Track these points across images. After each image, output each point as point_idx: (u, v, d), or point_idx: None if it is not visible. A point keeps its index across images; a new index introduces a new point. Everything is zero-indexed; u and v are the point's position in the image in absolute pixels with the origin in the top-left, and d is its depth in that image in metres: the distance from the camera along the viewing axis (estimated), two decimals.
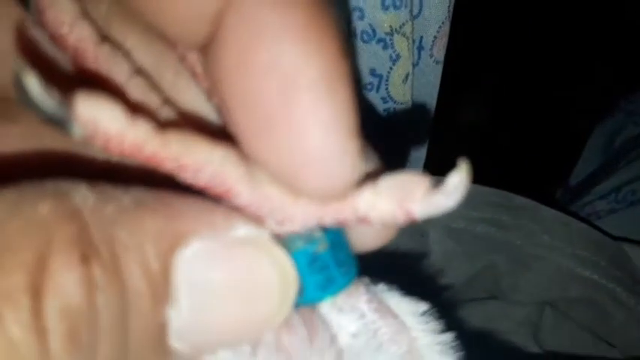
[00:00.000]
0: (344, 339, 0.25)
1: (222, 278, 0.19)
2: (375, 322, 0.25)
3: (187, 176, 0.20)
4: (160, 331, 0.19)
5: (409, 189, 0.20)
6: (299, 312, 0.24)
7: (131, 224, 0.18)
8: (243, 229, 0.20)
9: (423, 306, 0.26)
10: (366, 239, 0.25)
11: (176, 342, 0.19)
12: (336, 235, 0.23)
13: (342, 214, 0.21)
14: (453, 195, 0.20)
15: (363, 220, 0.21)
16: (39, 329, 0.16)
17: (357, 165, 0.20)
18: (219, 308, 0.19)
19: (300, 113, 0.18)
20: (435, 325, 0.26)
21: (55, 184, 0.18)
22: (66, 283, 0.17)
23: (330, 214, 0.21)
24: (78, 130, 0.18)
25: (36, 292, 0.16)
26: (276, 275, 0.20)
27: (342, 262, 0.23)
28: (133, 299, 0.18)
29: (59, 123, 0.17)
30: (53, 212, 0.17)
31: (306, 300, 0.23)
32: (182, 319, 0.19)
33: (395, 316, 0.26)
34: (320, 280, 0.23)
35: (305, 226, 0.22)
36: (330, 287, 0.23)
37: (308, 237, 0.22)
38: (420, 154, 0.75)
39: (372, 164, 0.23)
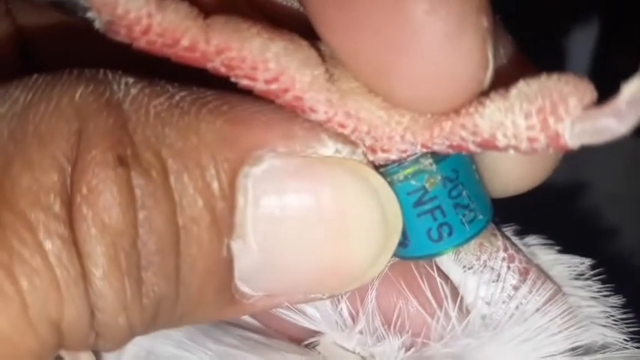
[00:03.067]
0: (474, 306, 0.20)
1: (302, 206, 0.15)
2: (517, 286, 0.20)
3: (237, 78, 0.15)
4: (222, 269, 0.15)
5: (559, 100, 0.14)
6: (404, 266, 0.19)
7: (185, 125, 0.15)
8: (330, 146, 0.15)
9: (584, 263, 0.21)
10: (508, 177, 0.19)
11: (243, 284, 0.16)
12: (456, 168, 0.18)
13: (456, 135, 0.16)
14: (627, 115, 0.13)
15: (487, 146, 0.15)
16: (74, 245, 0.14)
17: (486, 59, 0.15)
18: (296, 245, 0.15)
19: None
20: (600, 287, 0.21)
21: (95, 71, 0.15)
22: (100, 189, 0.14)
23: (441, 136, 0.16)
24: (94, 16, 0.15)
25: (69, 197, 0.14)
26: (374, 209, 0.16)
27: (463, 204, 0.18)
28: (186, 224, 0.14)
29: (73, 9, 0.15)
30: (87, 99, 0.14)
31: (411, 252, 0.18)
32: (250, 255, 0.15)
33: (547, 278, 0.21)
34: (430, 225, 0.17)
35: (406, 153, 0.16)
36: (446, 237, 0.18)
37: (413, 168, 0.17)
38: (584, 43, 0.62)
39: (504, 59, 0.17)
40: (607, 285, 0.20)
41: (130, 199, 0.14)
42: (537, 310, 0.19)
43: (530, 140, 0.15)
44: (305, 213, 0.15)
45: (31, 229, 0.13)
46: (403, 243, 0.17)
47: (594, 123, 0.14)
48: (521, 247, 0.21)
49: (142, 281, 0.14)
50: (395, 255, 0.17)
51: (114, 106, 0.14)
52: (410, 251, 0.18)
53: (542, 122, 0.14)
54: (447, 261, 0.19)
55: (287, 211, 0.15)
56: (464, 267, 0.19)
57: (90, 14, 0.14)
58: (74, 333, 0.14)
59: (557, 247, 0.21)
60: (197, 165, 0.14)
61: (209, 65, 0.15)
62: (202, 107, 0.15)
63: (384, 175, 0.16)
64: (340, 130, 0.16)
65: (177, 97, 0.15)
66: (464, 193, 0.18)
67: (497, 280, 0.19)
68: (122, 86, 0.15)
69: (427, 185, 0.17)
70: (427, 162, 0.17)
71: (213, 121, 0.15)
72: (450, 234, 0.17)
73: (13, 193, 0.14)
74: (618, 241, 0.53)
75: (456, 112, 0.16)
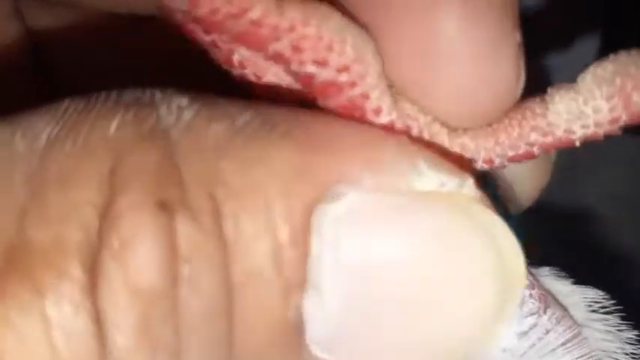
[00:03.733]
0: None
1: (396, 260, 0.12)
2: (539, 315, 0.19)
3: (302, 64, 0.14)
4: (288, 336, 0.12)
5: (629, 77, 0.15)
6: None
7: (248, 156, 0.12)
8: (432, 177, 0.13)
9: (599, 296, 0.21)
10: (524, 189, 0.19)
11: (319, 350, 0.13)
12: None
13: (524, 139, 0.15)
14: None
15: (557, 145, 0.15)
16: (95, 314, 0.11)
17: (520, 72, 0.15)
18: (389, 310, 0.12)
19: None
20: (615, 321, 0.20)
21: (137, 92, 0.13)
22: (134, 243, 0.11)
23: (506, 144, 0.15)
24: None
25: (92, 257, 0.11)
26: (491, 266, 0.13)
27: None
28: (243, 281, 0.12)
29: None
30: (125, 131, 0.12)
31: None
32: (328, 317, 0.12)
33: (563, 309, 0.20)
34: None
35: (470, 167, 0.16)
36: None
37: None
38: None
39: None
40: (622, 316, 0.20)
41: (172, 254, 0.12)
42: (560, 343, 0.19)
43: (612, 121, 0.15)
44: (400, 269, 0.12)
45: (38, 296, 0.11)
46: None
47: None
48: (535, 276, 0.21)
49: (181, 354, 0.12)
50: None
51: (159, 137, 0.12)
52: None
53: (625, 100, 0.15)
54: None
55: (376, 265, 0.12)
56: None
57: None
58: None
59: (571, 279, 0.21)
60: (261, 204, 0.12)
61: (272, 47, 0.13)
62: (271, 132, 0.12)
63: None
64: (402, 135, 0.14)
65: (240, 121, 0.12)
66: None
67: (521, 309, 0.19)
68: (173, 110, 0.12)
69: None
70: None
71: (282, 149, 0.12)
72: None
73: (24, 254, 0.11)
74: (618, 241, 0.53)
75: (508, 117, 0.15)
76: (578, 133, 0.15)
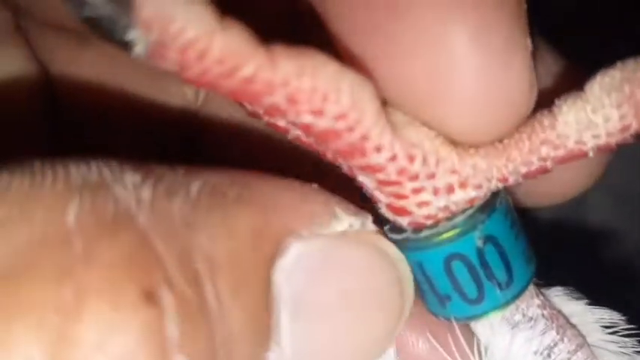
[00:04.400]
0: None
1: (332, 292, 0.14)
2: (552, 335, 0.18)
3: (302, 112, 0.13)
4: None
5: (638, 84, 0.14)
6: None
7: (212, 228, 0.12)
8: (344, 220, 0.14)
9: (609, 316, 0.20)
10: (561, 181, 0.18)
11: None
12: (499, 223, 0.17)
13: (535, 154, 0.15)
14: None
15: (569, 157, 0.15)
16: None
17: (533, 81, 0.15)
18: (330, 332, 0.14)
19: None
20: (628, 342, 0.20)
21: (82, 168, 0.12)
22: (115, 346, 0.10)
23: (518, 160, 0.15)
24: (137, 36, 0.11)
25: None
26: (393, 283, 0.15)
27: (507, 261, 0.17)
28: (228, 349, 0.12)
29: (110, 27, 0.11)
30: (86, 220, 0.11)
31: (451, 312, 0.17)
32: (285, 357, 0.14)
33: (574, 328, 0.19)
34: (473, 284, 0.17)
35: (482, 189, 0.15)
36: (486, 298, 0.17)
37: (463, 225, 0.16)
38: None
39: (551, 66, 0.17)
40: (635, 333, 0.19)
41: (161, 350, 0.11)
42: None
43: (623, 130, 0.14)
44: (336, 300, 0.14)
45: None
46: (442, 302, 0.17)
47: None
48: (545, 296, 0.20)
49: None
50: (433, 313, 0.17)
51: (124, 220, 0.11)
52: (449, 311, 0.17)
53: (636, 107, 0.14)
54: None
55: (319, 302, 0.14)
56: (506, 320, 0.18)
57: (132, 34, 0.12)
58: None
59: (585, 300, 0.20)
60: (238, 274, 0.12)
61: (266, 101, 0.13)
62: (224, 199, 0.13)
63: (429, 237, 0.16)
64: (400, 173, 0.15)
65: (193, 192, 0.12)
66: (509, 248, 0.17)
67: (533, 327, 0.18)
68: (130, 189, 0.12)
69: (478, 244, 0.16)
70: (479, 218, 0.16)
71: (240, 215, 0.13)
72: (491, 294, 0.17)
73: None
74: (621, 242, 0.52)
75: (519, 133, 0.15)
76: (590, 144, 0.15)
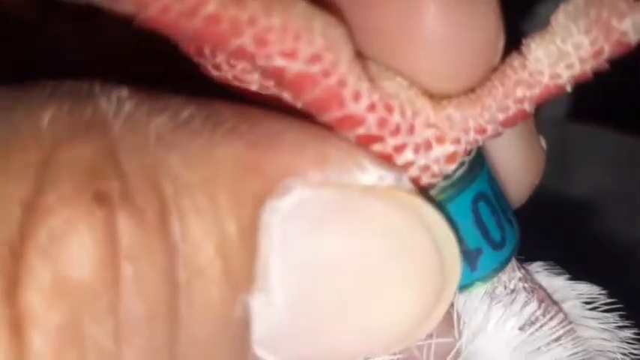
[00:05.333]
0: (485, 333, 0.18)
1: (342, 254, 0.12)
2: (532, 309, 0.18)
3: (269, 57, 0.13)
4: (235, 334, 0.12)
5: (604, 5, 0.14)
6: None
7: (195, 151, 0.12)
8: (373, 172, 0.12)
9: (595, 292, 0.20)
10: (516, 184, 0.18)
11: (265, 352, 0.13)
12: (490, 180, 0.16)
13: (510, 98, 0.14)
14: None
15: (547, 94, 0.14)
16: (14, 319, 0.10)
17: (500, 26, 0.15)
18: (335, 302, 0.12)
19: None
20: (609, 317, 0.19)
21: (75, 83, 0.12)
22: (66, 237, 0.10)
23: (494, 107, 0.15)
24: None
25: (13, 256, 0.10)
26: (428, 254, 0.13)
27: (494, 226, 0.16)
28: (189, 279, 0.11)
29: None
30: (59, 123, 0.11)
31: None
32: (275, 315, 0.12)
33: (555, 304, 0.19)
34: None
35: (460, 143, 0.15)
36: (477, 267, 0.17)
37: (444, 190, 0.16)
38: None
39: None
40: (620, 314, 0.19)
41: (112, 250, 0.11)
42: (554, 338, 0.18)
43: (595, 54, 0.14)
44: (346, 262, 0.12)
45: None
46: None
47: None
48: (527, 270, 0.20)
49: (117, 358, 0.11)
50: None
51: (97, 129, 0.11)
52: None
53: (605, 30, 0.14)
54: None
55: (323, 259, 0.12)
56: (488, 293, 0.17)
57: None
58: None
59: (566, 275, 0.20)
60: (208, 200, 0.11)
61: (233, 43, 0.12)
62: (216, 127, 0.12)
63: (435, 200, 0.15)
64: (380, 125, 0.14)
65: (184, 115, 0.12)
66: (496, 211, 0.17)
67: (514, 301, 0.18)
68: (113, 102, 0.12)
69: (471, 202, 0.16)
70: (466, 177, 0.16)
71: (229, 145, 0.12)
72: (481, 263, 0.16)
73: None
74: (615, 239, 0.52)
75: (488, 85, 0.15)
76: (565, 76, 0.14)
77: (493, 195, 0.17)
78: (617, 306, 0.19)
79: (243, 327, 0.12)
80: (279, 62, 0.13)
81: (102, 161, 0.11)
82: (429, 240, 0.13)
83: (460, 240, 0.15)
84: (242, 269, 0.12)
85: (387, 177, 0.13)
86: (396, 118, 0.14)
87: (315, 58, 0.13)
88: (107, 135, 0.11)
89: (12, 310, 0.10)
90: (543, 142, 0.19)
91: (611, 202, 0.53)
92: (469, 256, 0.16)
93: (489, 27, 0.14)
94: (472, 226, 0.16)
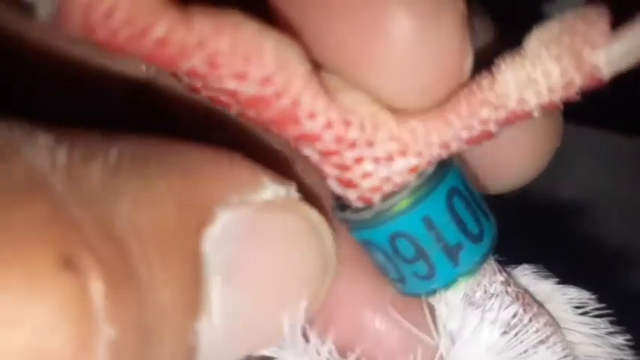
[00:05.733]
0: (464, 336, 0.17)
1: (260, 261, 0.14)
2: (516, 313, 0.17)
3: (224, 76, 0.12)
4: (188, 356, 0.13)
5: (586, 31, 0.13)
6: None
7: (136, 193, 0.12)
8: (270, 188, 0.14)
9: (585, 296, 0.19)
10: (510, 168, 0.18)
11: None
12: (459, 180, 0.16)
13: (475, 117, 0.14)
14: None
15: (512, 119, 0.14)
16: None
17: (466, 45, 0.14)
18: (255, 307, 0.14)
19: None
20: (598, 322, 0.19)
21: None
22: (32, 310, 0.10)
23: (458, 124, 0.14)
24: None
25: None
26: (317, 249, 0.15)
27: (471, 219, 0.16)
28: (158, 325, 0.11)
29: None
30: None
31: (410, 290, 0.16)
32: (214, 333, 0.13)
33: (542, 308, 0.18)
34: (444, 258, 0.16)
35: (423, 157, 0.15)
36: (459, 262, 0.16)
37: (416, 189, 0.15)
38: None
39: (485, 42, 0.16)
40: (611, 319, 0.18)
41: (87, 320, 0.10)
42: (539, 341, 0.17)
43: (566, 86, 0.14)
44: (263, 271, 0.14)
45: None
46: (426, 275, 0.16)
47: (629, 42, 0.13)
48: (510, 273, 0.19)
49: None
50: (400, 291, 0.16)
51: (40, 188, 0.10)
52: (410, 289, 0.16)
53: (576, 60, 0.13)
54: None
55: (248, 273, 0.14)
56: (467, 297, 0.17)
57: None
58: None
59: (554, 278, 0.19)
60: (166, 243, 0.12)
61: (185, 65, 0.12)
62: (145, 167, 0.12)
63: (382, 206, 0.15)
64: (338, 141, 0.14)
65: (112, 156, 0.12)
66: (471, 204, 0.16)
67: (499, 307, 0.17)
68: (43, 152, 0.11)
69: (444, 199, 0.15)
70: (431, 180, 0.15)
71: (161, 184, 0.12)
72: (463, 256, 0.16)
73: None
74: (608, 239, 0.52)
75: (460, 96, 0.14)
76: (532, 103, 0.14)
77: (465, 188, 0.16)
78: (608, 311, 0.18)
79: (192, 352, 0.13)
80: (231, 85, 0.13)
81: (58, 222, 0.10)
82: (315, 237, 0.15)
83: (440, 238, 0.15)
84: (194, 299, 0.12)
85: (280, 191, 0.14)
86: (353, 133, 0.14)
87: (266, 81, 0.13)
88: (52, 194, 0.10)
89: None
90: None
91: (602, 203, 0.52)
92: (450, 252, 0.16)
93: (453, 47, 0.14)
94: (449, 222, 0.15)
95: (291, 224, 0.14)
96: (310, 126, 0.14)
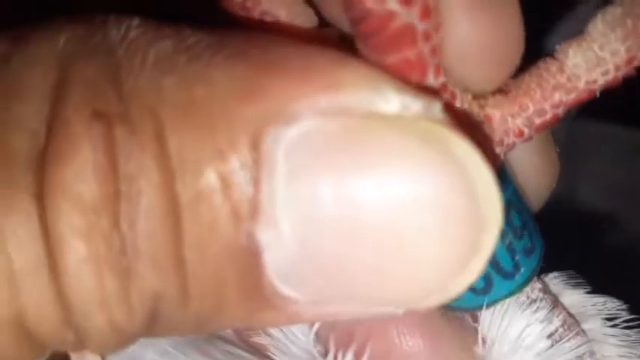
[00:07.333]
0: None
1: (357, 186, 0.11)
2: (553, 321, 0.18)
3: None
4: (246, 262, 0.11)
5: (631, 13, 0.15)
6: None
7: (193, 74, 0.11)
8: (394, 100, 0.11)
9: (616, 306, 0.19)
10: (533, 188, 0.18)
11: (280, 283, 0.11)
12: (514, 191, 0.16)
13: (548, 101, 0.15)
14: None
15: (580, 99, 0.15)
16: (44, 223, 0.11)
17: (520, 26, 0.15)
18: (348, 241, 0.11)
19: None
20: (630, 334, 0.19)
21: (91, 15, 0.12)
22: (70, 152, 0.11)
23: (531, 111, 0.15)
24: None
25: (40, 166, 0.11)
26: (459, 196, 0.11)
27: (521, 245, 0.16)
28: (190, 202, 0.11)
29: None
30: (72, 45, 0.12)
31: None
32: (285, 247, 0.11)
33: (573, 318, 0.18)
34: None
35: (503, 143, 0.15)
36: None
37: None
38: None
39: None
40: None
41: (109, 163, 0.11)
42: (573, 354, 0.17)
43: (629, 62, 0.15)
44: (360, 203, 0.11)
45: None
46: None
47: None
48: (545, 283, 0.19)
49: (129, 273, 0.11)
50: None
51: (103, 51, 0.11)
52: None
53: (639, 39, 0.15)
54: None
55: (337, 194, 0.11)
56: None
57: None
58: (44, 332, 0.11)
59: (584, 288, 0.19)
60: (207, 125, 0.11)
61: None
62: (219, 50, 0.11)
63: None
64: (452, 100, 0.14)
65: (189, 41, 0.11)
66: (523, 218, 0.16)
67: (537, 311, 0.17)
68: (122, 29, 0.12)
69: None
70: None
71: (230, 67, 0.11)
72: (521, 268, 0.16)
73: None
74: (615, 232, 0.52)
75: (523, 88, 0.15)
76: (600, 81, 0.15)
77: (517, 199, 0.16)
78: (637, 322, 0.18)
79: (251, 256, 0.11)
80: (394, 5, 0.11)
81: (102, 82, 0.11)
82: (462, 181, 0.11)
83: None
84: (243, 197, 0.11)
85: (414, 105, 0.11)
86: (458, 104, 0.14)
87: (426, 14, 0.12)
88: (111, 58, 0.11)
89: (39, 209, 0.11)
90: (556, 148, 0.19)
91: (622, 201, 0.52)
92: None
93: (514, 31, 0.15)
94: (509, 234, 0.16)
95: (423, 155, 0.11)
96: (432, 82, 0.12)
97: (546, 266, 0.18)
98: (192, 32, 0.11)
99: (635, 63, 0.15)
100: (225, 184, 0.11)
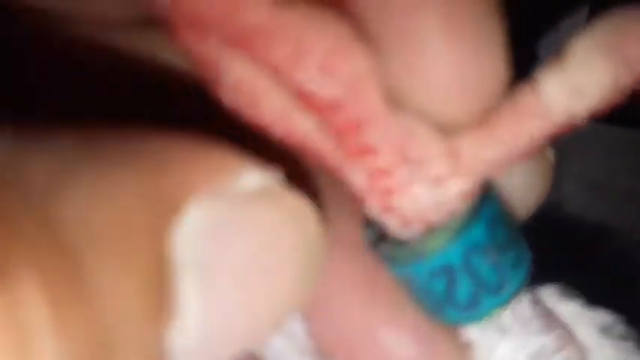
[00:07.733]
0: None
1: (240, 257, 0.12)
2: (543, 338, 0.17)
3: (286, 70, 0.12)
4: None
5: (618, 35, 0.13)
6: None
7: (89, 187, 0.11)
8: (251, 177, 0.12)
9: (611, 318, 0.19)
10: (521, 197, 0.17)
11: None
12: (492, 219, 0.15)
13: (524, 131, 0.14)
14: None
15: (562, 127, 0.14)
16: None
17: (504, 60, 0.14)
18: (239, 297, 0.12)
19: None
20: (627, 345, 0.19)
21: None
22: None
23: (506, 140, 0.14)
24: None
25: None
26: (300, 236, 0.13)
27: (505, 262, 0.16)
28: (112, 332, 0.10)
29: None
30: None
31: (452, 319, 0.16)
32: (191, 332, 0.12)
33: (568, 332, 0.18)
34: (473, 292, 0.15)
35: (474, 182, 0.14)
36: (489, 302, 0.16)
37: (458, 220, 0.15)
38: None
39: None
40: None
41: (23, 337, 0.09)
42: None
43: (613, 90, 0.13)
44: (245, 261, 0.12)
45: None
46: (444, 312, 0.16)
47: None
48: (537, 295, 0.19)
49: None
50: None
51: None
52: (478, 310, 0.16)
53: (625, 63, 0.13)
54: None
55: (227, 270, 0.12)
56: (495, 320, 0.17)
57: None
58: None
59: (580, 299, 0.19)
60: (126, 243, 0.11)
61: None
62: (102, 153, 0.11)
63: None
64: (405, 145, 0.13)
65: (69, 150, 0.11)
66: (508, 232, 0.16)
67: (523, 328, 0.17)
68: None
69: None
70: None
71: (125, 171, 0.11)
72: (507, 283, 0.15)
73: None
74: (604, 234, 0.52)
75: (499, 117, 0.14)
76: (579, 111, 0.13)
77: (502, 213, 0.16)
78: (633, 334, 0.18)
79: (163, 358, 0.11)
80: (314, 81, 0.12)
81: None
82: (298, 226, 0.13)
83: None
84: (160, 305, 0.11)
85: (263, 179, 0.13)
86: (412, 149, 0.14)
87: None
88: None
89: None
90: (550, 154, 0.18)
91: (607, 198, 0.53)
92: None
93: (495, 60, 0.14)
94: (491, 249, 0.15)
95: (275, 216, 0.13)
96: (373, 136, 0.13)
97: (535, 274, 0.18)
98: (62, 137, 0.11)
99: (623, 89, 0.13)
100: (147, 300, 0.11)
